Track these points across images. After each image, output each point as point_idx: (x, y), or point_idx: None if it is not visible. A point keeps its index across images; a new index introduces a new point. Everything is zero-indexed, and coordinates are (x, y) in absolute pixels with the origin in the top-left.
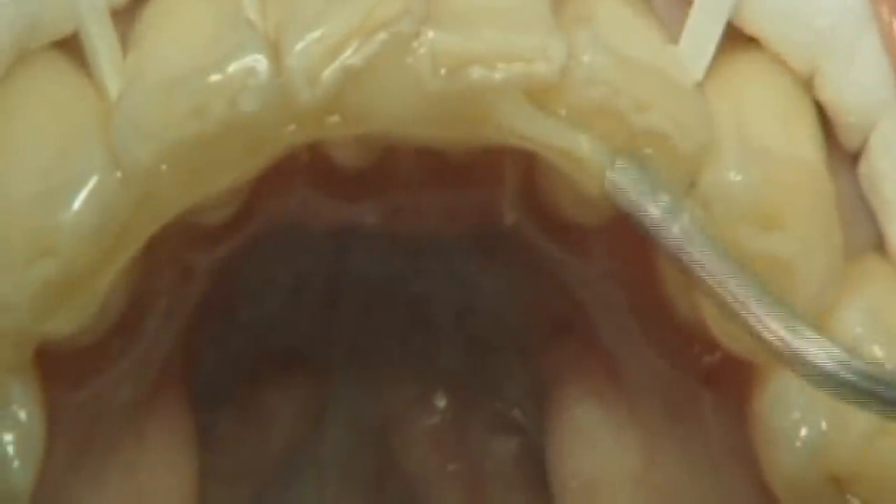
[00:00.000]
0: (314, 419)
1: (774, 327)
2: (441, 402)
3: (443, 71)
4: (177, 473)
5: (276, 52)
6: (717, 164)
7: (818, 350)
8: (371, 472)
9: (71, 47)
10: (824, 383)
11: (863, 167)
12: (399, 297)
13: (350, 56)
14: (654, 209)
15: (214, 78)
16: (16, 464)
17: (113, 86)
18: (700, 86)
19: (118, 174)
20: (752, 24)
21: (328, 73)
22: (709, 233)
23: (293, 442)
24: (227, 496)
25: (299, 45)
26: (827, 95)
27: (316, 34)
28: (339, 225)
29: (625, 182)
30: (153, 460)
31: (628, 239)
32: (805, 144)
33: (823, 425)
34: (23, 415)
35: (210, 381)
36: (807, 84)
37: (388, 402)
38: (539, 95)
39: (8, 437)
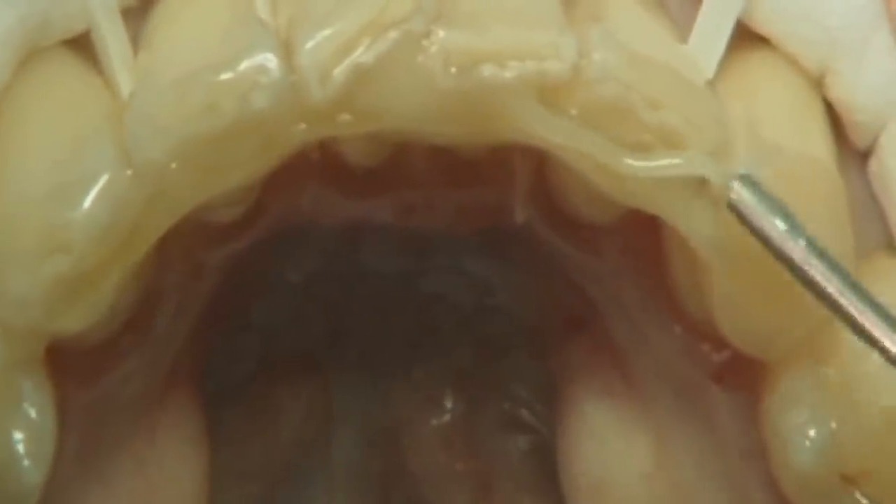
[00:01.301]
0: (324, 417)
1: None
2: (451, 401)
3: (454, 69)
4: (187, 471)
5: (287, 50)
6: (729, 163)
7: None
8: (380, 471)
9: (82, 46)
10: None
11: (873, 166)
12: (410, 295)
13: (361, 54)
14: (775, 228)
15: (226, 76)
16: (26, 462)
17: (124, 84)
18: (711, 84)
19: (129, 172)
20: (763, 23)
21: (339, 71)
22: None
23: (303, 440)
24: (236, 494)
25: (310, 43)
26: (838, 94)
27: (327, 32)
28: (351, 223)
29: (748, 199)
30: (163, 457)
31: (639, 237)
32: (816, 143)
33: (833, 424)
34: (33, 412)
35: (221, 379)
36: (817, 83)
37: (398, 401)
38: (551, 93)
39: (19, 436)
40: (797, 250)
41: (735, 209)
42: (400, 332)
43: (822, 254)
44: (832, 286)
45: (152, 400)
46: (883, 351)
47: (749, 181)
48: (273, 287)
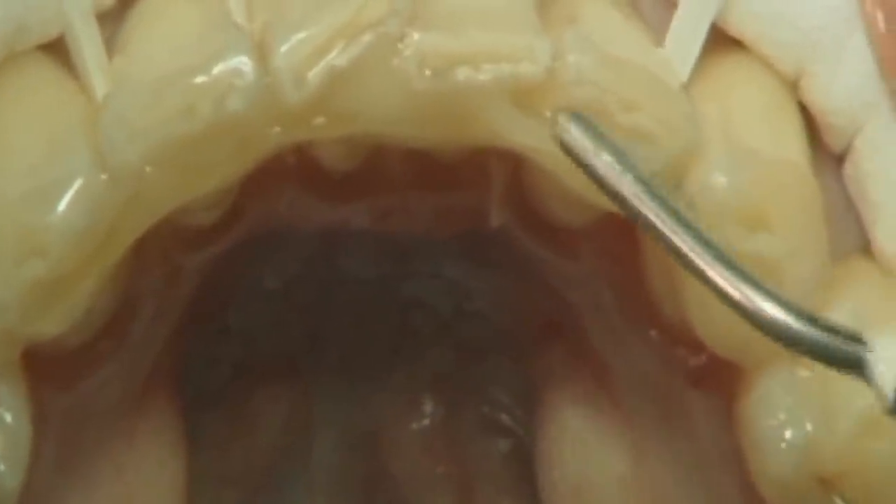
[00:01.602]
0: (304, 422)
1: (728, 279)
2: (430, 406)
3: (429, 72)
4: (165, 477)
5: (262, 53)
6: (703, 166)
7: (769, 303)
8: (360, 475)
9: (57, 50)
10: (780, 336)
11: (848, 169)
12: (389, 300)
13: (336, 57)
14: (602, 162)
15: (201, 79)
16: (2, 466)
17: (99, 88)
18: (686, 87)
19: (105, 175)
20: (738, 26)
21: (314, 74)
22: (659, 190)
23: (282, 445)
24: (216, 500)
25: (285, 46)
26: (813, 97)
27: (301, 35)
28: (328, 227)
29: (576, 135)
30: (142, 463)
31: (616, 240)
32: (791, 146)
33: (809, 426)
34: (9, 417)
35: (199, 383)
36: (792, 85)
37: (377, 406)
38: (525, 96)
39: None
40: (626, 184)
41: (564, 145)
42: (379, 336)
43: (651, 189)
44: (662, 221)
45: (130, 405)
46: (717, 290)
47: (579, 118)
48: (251, 292)
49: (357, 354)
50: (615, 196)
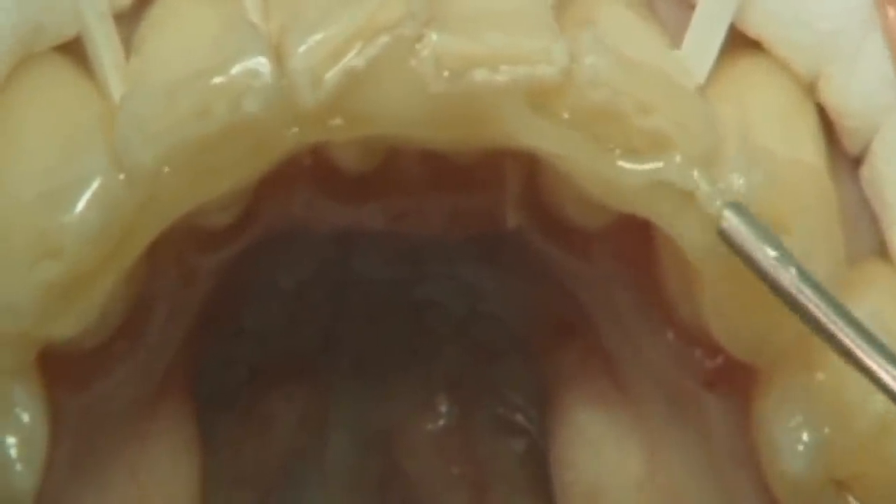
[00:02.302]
0: (318, 424)
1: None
2: (444, 407)
3: (446, 73)
4: (179, 477)
5: (278, 55)
6: (719, 167)
7: None
8: (375, 476)
9: (74, 51)
10: None
11: (865, 171)
12: (402, 301)
13: (353, 58)
14: (766, 257)
15: (217, 80)
16: (18, 467)
17: (116, 89)
18: (703, 89)
19: (121, 176)
20: (755, 28)
21: (331, 76)
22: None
23: (297, 447)
24: (231, 500)
25: (302, 48)
26: (830, 99)
27: (318, 37)
28: (343, 229)
29: (738, 227)
30: (156, 464)
31: (631, 242)
32: (808, 148)
33: (825, 429)
34: (26, 418)
35: (214, 385)
36: (810, 88)
37: (391, 407)
38: (542, 98)
39: (11, 441)
40: (787, 278)
41: (726, 237)
42: (394, 337)
43: (812, 282)
44: (822, 314)
45: (145, 406)
46: (875, 381)
47: (739, 208)
48: (266, 293)
49: (371, 355)
50: (777, 289)
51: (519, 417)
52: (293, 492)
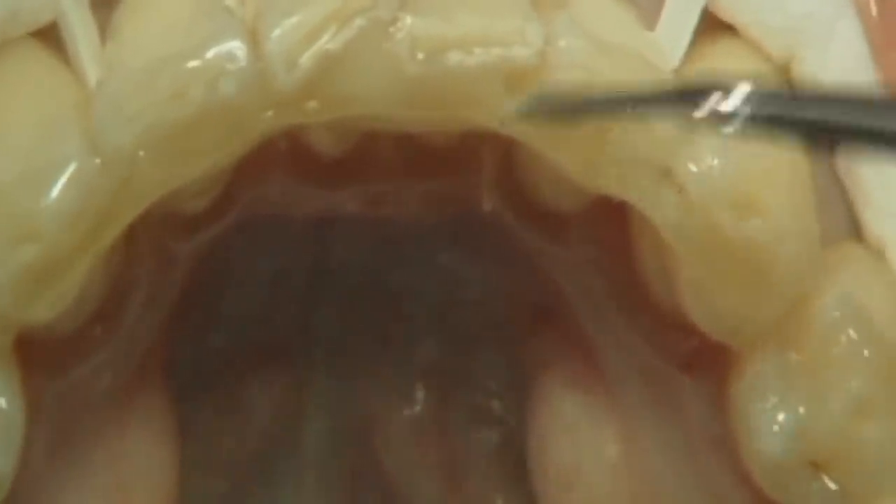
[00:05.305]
0: (294, 410)
1: None
2: (421, 394)
3: (420, 55)
4: (157, 464)
5: (254, 38)
6: (694, 150)
7: None
8: (351, 463)
9: (50, 36)
10: None
11: (839, 153)
12: (379, 287)
13: (328, 41)
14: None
15: (193, 63)
16: None
17: (92, 74)
18: (677, 72)
19: (97, 160)
20: (729, 11)
21: (306, 58)
22: None
23: (273, 434)
24: (206, 488)
25: (277, 31)
26: (803, 81)
27: (294, 20)
28: (319, 214)
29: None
30: (133, 450)
31: (607, 225)
32: None
33: (801, 410)
34: (2, 403)
35: (191, 372)
36: (783, 69)
37: (368, 394)
38: (517, 80)
39: None
40: None
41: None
42: (370, 324)
43: None
44: None
45: (122, 392)
46: None
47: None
48: (242, 280)
49: (348, 342)
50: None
51: (496, 405)
52: (269, 478)
